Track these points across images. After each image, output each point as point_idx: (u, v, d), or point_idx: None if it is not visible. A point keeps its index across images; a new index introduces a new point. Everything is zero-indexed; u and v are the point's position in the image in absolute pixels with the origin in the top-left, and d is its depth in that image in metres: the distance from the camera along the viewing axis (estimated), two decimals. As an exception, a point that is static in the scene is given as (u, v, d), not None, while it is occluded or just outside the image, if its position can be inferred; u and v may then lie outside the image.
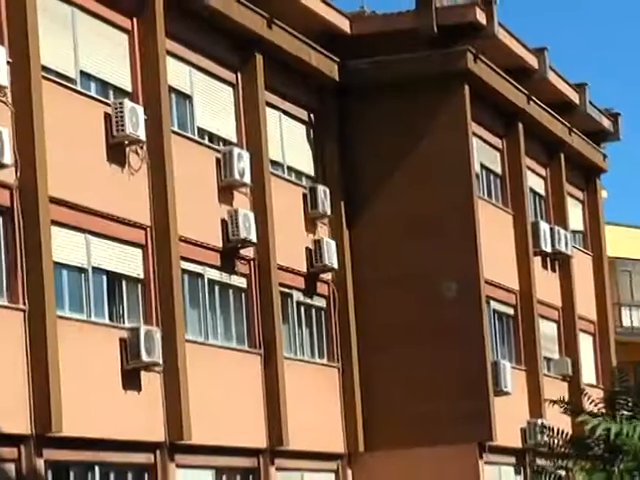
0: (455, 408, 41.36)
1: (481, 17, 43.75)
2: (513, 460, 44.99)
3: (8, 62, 28.81)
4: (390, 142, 42.67)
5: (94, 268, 32.09)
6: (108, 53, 33.59)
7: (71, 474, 30.69)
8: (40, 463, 29.23)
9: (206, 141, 37.20)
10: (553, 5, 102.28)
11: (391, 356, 41.87)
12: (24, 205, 29.28)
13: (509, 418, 43.73)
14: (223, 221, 36.74)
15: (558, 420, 28.39)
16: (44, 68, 30.36)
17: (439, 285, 42.09)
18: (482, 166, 45.74)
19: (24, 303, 29.13)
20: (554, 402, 26.09)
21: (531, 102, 48.11)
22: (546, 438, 25.13)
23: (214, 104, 38.01)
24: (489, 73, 44.53)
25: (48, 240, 29.63)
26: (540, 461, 25.48)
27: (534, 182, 50.31)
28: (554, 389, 46.54)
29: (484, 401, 42.17)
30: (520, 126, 48.00)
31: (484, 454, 42.47)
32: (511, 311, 46.85)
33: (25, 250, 29.25)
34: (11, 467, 28.67)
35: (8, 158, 28.43)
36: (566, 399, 26.11)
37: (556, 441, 24.79)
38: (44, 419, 28.86)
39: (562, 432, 24.83)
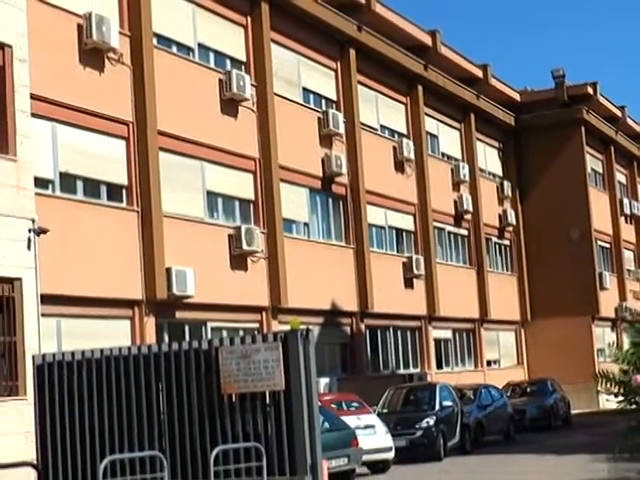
0: (579, 296, 40.51)
1: (591, 90, 42.93)
2: (610, 324, 43.84)
3: (344, 121, 29.15)
4: (542, 157, 41.77)
5: (389, 226, 32.27)
6: (395, 114, 33.63)
7: (378, 332, 31.01)
8: (362, 327, 29.70)
9: (445, 159, 36.96)
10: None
11: (545, 269, 41.06)
12: (352, 194, 29.70)
13: (608, 302, 42.63)
14: (455, 201, 36.56)
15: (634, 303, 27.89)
16: (362, 123, 30.61)
17: (570, 232, 41.42)
18: (592, 169, 44.51)
19: (354, 244, 29.54)
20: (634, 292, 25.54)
21: (618, 135, 46.77)
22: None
23: (449, 140, 37.67)
24: (596, 119, 43.38)
25: (365, 212, 30.02)
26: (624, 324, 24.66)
27: (620, 177, 48.70)
28: (632, 287, 45.84)
29: (594, 292, 41.22)
30: (612, 148, 46.59)
31: (595, 321, 41.57)
32: (608, 246, 45.54)
33: (354, 217, 29.68)
34: (347, 329, 29.22)
35: (344, 169, 28.83)
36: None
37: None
38: (364, 301, 29.26)
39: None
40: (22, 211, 15.23)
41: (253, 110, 25.32)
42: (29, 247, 15.21)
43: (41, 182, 18.28)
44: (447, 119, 37.45)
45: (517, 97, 42.50)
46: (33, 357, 14.86)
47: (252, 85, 25.17)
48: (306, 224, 27.91)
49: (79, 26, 20.11)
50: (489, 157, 41.11)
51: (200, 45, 24.36)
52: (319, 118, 28.40)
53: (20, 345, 14.88)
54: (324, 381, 25.90)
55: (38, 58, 17.45)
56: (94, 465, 13.65)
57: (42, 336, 15.42)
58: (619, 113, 46.83)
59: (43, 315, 15.70)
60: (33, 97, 16.66)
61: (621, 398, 21.45)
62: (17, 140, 15.39)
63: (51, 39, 19.27)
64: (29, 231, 15.27)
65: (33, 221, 15.40)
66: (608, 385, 21.46)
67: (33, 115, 16.58)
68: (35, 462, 13.72)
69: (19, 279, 14.99)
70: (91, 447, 14.19)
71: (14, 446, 14.19)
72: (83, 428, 14.31)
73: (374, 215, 31.04)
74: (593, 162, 44.99)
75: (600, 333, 42.53)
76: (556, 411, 32.02)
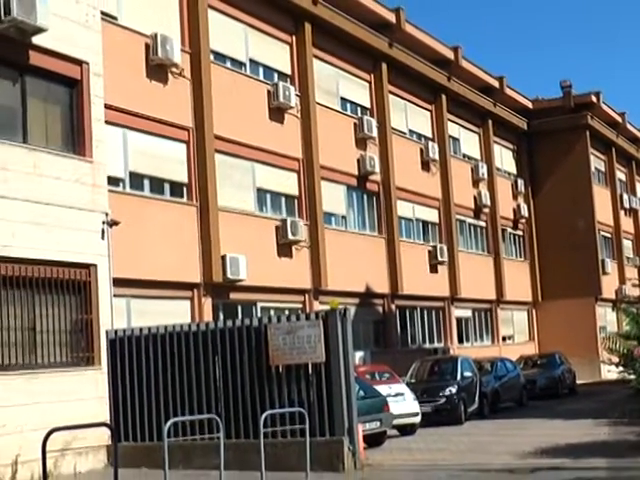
0: (584, 280, 40.04)
1: (594, 98, 42.38)
2: (611, 305, 43.30)
3: (377, 126, 28.97)
4: (552, 158, 41.37)
5: (416, 219, 32.04)
6: (422, 120, 33.29)
7: (407, 312, 30.84)
8: (393, 307, 29.59)
9: (466, 159, 36.62)
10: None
11: (554, 256, 40.62)
12: (384, 191, 29.56)
13: (609, 284, 42.17)
14: (474, 196, 36.25)
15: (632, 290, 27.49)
16: (392, 128, 30.44)
17: (576, 222, 40.98)
18: (595, 168, 43.93)
19: (386, 234, 29.43)
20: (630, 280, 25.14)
21: (619, 138, 46.21)
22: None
23: (470, 142, 37.34)
24: (599, 124, 42.88)
25: (395, 206, 29.86)
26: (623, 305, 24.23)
27: (620, 175, 48.09)
28: (631, 272, 45.16)
29: (597, 277, 40.74)
30: (613, 150, 46.02)
31: (597, 302, 41.12)
32: (610, 235, 45.03)
33: (385, 211, 29.53)
34: (379, 308, 29.06)
35: (377, 168, 28.71)
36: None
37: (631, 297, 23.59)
38: (394, 284, 29.13)
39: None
40: (97, 206, 15.37)
41: (297, 117, 25.34)
42: (103, 237, 15.35)
43: (113, 180, 18.36)
44: (467, 124, 37.16)
45: (529, 105, 42.05)
46: (106, 332, 15.01)
47: (296, 95, 25.19)
48: (344, 217, 27.84)
49: (146, 45, 20.24)
50: (505, 158, 40.73)
51: (251, 60, 24.40)
52: (355, 124, 28.34)
53: (95, 322, 15.01)
54: (359, 354, 25.89)
55: (111, 73, 17.51)
56: (159, 426, 13.76)
57: (114, 314, 15.54)
58: (620, 119, 46.42)
59: (115, 296, 15.81)
60: (107, 106, 16.72)
61: (622, 368, 21.33)
62: (93, 144, 15.52)
63: (122, 56, 19.39)
64: (103, 223, 15.40)
65: (106, 214, 15.53)
66: (612, 345, 21.20)
67: (107, 122, 16.64)
68: (109, 423, 13.84)
69: (94, 265, 15.14)
70: (156, 410, 14.31)
71: (90, 409, 14.34)
72: (149, 394, 14.43)
73: (403, 209, 30.86)
74: (596, 162, 44.50)
75: (602, 312, 42.12)
76: (563, 381, 31.81)
